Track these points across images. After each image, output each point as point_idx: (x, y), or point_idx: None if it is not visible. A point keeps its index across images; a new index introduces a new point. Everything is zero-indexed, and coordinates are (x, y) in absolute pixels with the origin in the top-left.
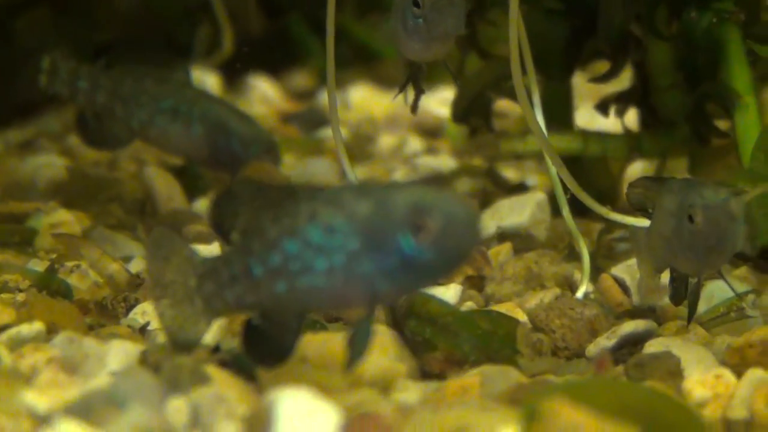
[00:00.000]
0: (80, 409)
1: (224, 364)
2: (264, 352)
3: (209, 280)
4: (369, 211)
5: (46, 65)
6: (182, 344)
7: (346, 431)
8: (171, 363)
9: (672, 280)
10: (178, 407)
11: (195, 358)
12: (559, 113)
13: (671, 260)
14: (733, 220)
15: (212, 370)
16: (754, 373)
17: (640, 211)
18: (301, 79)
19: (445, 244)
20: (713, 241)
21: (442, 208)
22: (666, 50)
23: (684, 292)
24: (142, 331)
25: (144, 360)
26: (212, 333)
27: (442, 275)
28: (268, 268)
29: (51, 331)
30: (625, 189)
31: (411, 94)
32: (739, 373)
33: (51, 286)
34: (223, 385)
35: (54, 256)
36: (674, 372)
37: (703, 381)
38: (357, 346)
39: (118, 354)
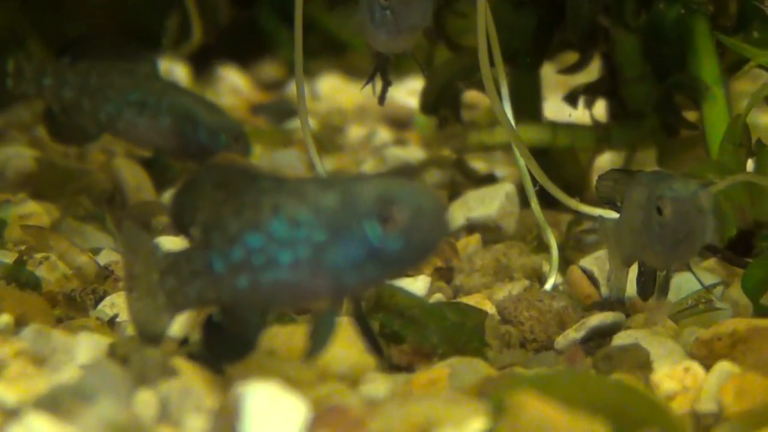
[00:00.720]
0: (48, 403)
1: (192, 356)
2: (225, 348)
3: (170, 275)
4: (335, 202)
5: (10, 68)
6: (148, 337)
7: (315, 425)
8: (139, 356)
9: (640, 273)
10: (146, 400)
11: (163, 351)
12: (528, 104)
13: (640, 253)
14: (702, 213)
15: (180, 363)
16: (723, 366)
17: (609, 203)
18: (270, 69)
19: (413, 235)
20: (682, 234)
21: (410, 198)
22: (634, 42)
23: (652, 285)
24: (111, 323)
25: (112, 353)
26: (180, 326)
27: (409, 267)
28: (229, 263)
29: (19, 323)
30: (594, 180)
31: (379, 85)
32: (707, 366)
33: (20, 278)
34: (191, 377)
35: (23, 247)
36: (643, 364)
37: (672, 374)
38: (319, 338)
39: (86, 347)
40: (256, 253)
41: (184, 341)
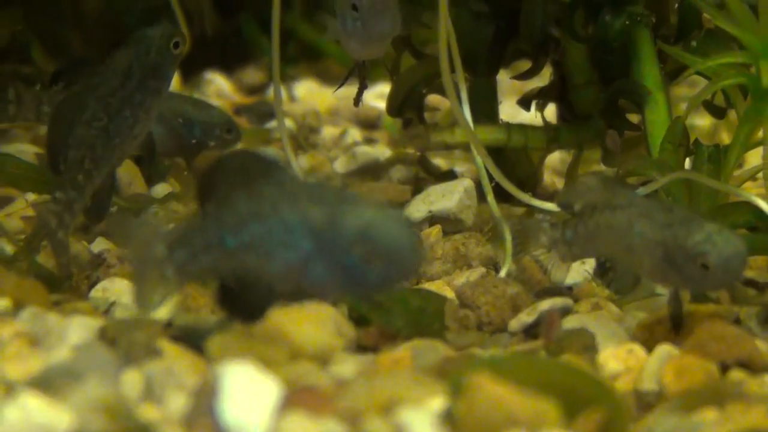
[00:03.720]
0: (41, 382)
1: (176, 338)
2: (238, 311)
3: (181, 247)
4: (322, 223)
5: (11, 96)
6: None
7: (287, 403)
8: (126, 338)
9: (600, 264)
10: (132, 379)
11: (149, 334)
12: (485, 107)
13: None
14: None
15: (165, 345)
16: (663, 348)
17: (566, 209)
18: (252, 74)
19: (389, 270)
20: (721, 282)
21: (388, 237)
22: (582, 50)
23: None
24: (108, 311)
25: (103, 335)
26: (166, 309)
27: (384, 290)
28: (240, 242)
29: (18, 306)
30: (545, 177)
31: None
32: (649, 348)
33: (21, 265)
34: (174, 358)
35: (22, 237)
36: (589, 346)
37: (616, 355)
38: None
39: (78, 329)
40: (259, 239)
41: (168, 324)
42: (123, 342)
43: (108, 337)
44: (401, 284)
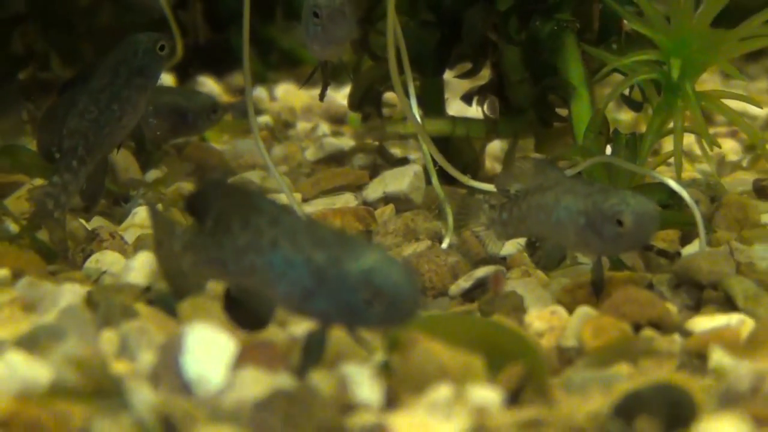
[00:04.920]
0: (28, 341)
1: (151, 302)
2: (242, 319)
3: (189, 252)
4: (324, 263)
5: (25, 115)
6: (179, 291)
7: (243, 358)
8: (106, 301)
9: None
10: (109, 338)
11: (127, 297)
12: (434, 103)
13: (568, 245)
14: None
15: (140, 307)
16: (583, 310)
17: (503, 193)
18: (238, 78)
19: (390, 313)
20: (638, 241)
21: (390, 282)
22: (516, 52)
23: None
24: (98, 280)
25: (89, 300)
26: (145, 276)
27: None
28: (239, 266)
29: (17, 276)
30: (486, 162)
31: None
32: (570, 310)
33: (23, 241)
34: (148, 319)
35: (26, 216)
36: (518, 308)
37: (541, 316)
38: (311, 355)
39: (68, 294)
40: (260, 269)
41: (147, 289)
42: (103, 305)
43: (93, 301)
44: (402, 324)
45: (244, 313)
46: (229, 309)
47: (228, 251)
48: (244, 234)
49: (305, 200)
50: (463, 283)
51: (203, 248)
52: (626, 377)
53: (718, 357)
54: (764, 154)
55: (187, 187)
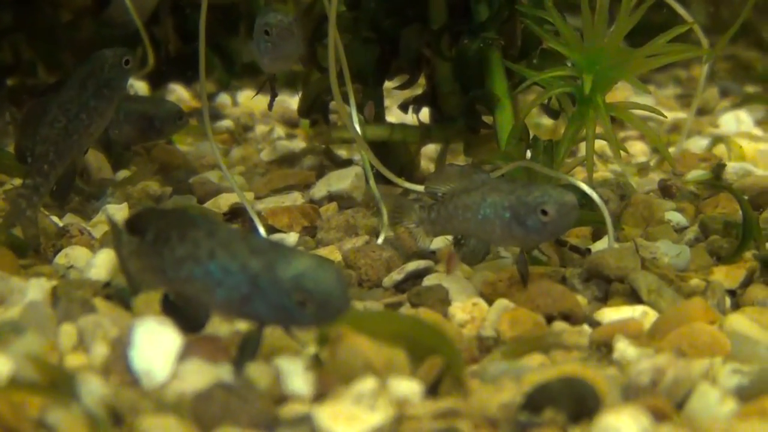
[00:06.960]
0: None
1: (109, 297)
2: (179, 321)
3: (133, 259)
4: (259, 270)
5: (8, 117)
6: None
7: (187, 352)
8: (67, 296)
9: (456, 240)
10: (67, 332)
11: (87, 292)
12: (375, 111)
13: (492, 239)
14: (575, 209)
15: (99, 302)
16: (501, 302)
17: (432, 195)
18: (206, 86)
19: (321, 313)
20: (561, 230)
21: (321, 286)
22: (448, 67)
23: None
24: (64, 275)
25: (55, 294)
26: (107, 271)
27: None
28: (177, 275)
29: None
30: (421, 164)
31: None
32: (491, 302)
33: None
34: (105, 313)
35: (2, 214)
36: (443, 300)
37: (464, 307)
38: (246, 352)
39: (35, 289)
40: (198, 277)
41: (107, 284)
42: (64, 299)
43: (59, 295)
44: (332, 322)
45: (181, 317)
46: (167, 313)
47: (168, 261)
48: (183, 245)
49: (258, 198)
50: (396, 275)
51: (146, 256)
52: (537, 368)
53: (623, 347)
54: (666, 156)
55: (152, 185)
